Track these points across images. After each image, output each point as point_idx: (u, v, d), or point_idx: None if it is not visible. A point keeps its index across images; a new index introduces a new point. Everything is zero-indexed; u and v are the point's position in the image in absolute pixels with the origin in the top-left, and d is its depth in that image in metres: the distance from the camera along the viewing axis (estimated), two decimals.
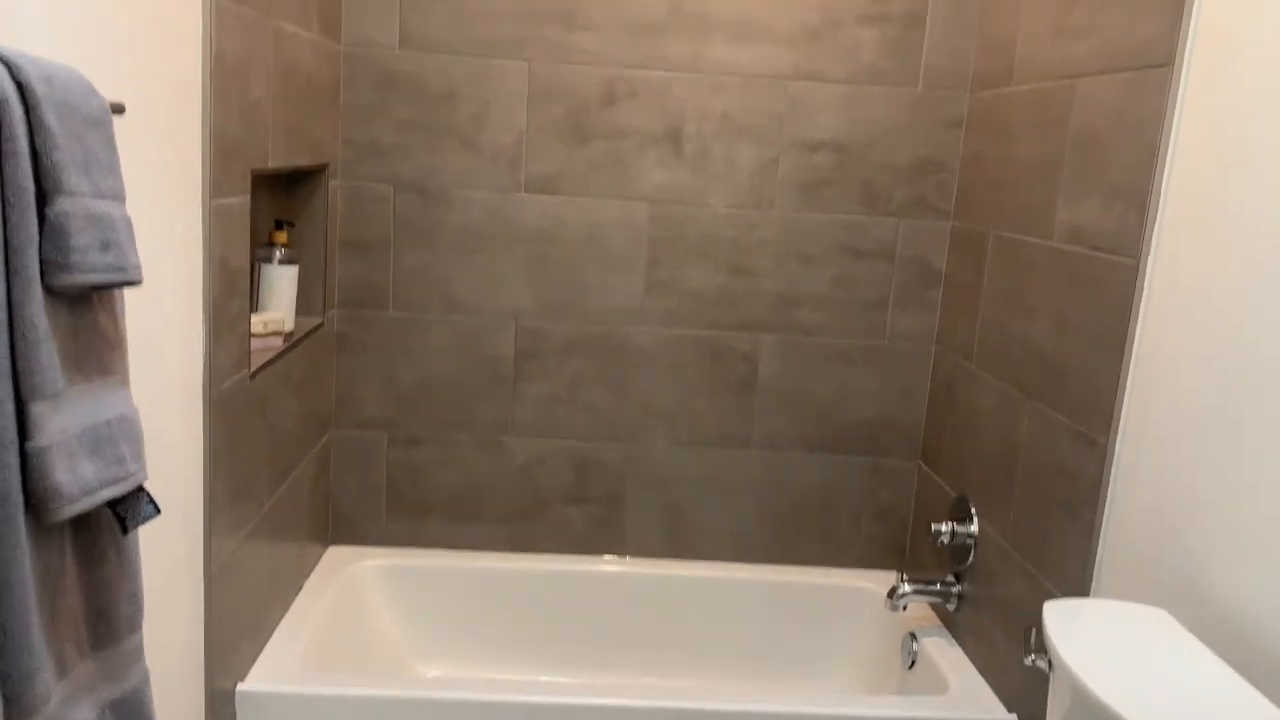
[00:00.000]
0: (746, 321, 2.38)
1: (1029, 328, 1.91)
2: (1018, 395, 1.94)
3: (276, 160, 1.79)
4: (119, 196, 0.92)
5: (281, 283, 1.95)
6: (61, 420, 0.85)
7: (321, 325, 2.19)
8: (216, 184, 1.51)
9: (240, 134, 1.60)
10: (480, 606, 2.41)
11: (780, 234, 2.34)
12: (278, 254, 1.95)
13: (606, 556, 2.47)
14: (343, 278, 2.32)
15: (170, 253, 1.38)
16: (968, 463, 2.17)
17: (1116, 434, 1.59)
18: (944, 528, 2.16)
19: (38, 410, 0.82)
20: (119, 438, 0.91)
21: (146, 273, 1.30)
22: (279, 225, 1.99)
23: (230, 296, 1.61)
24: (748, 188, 2.32)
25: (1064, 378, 1.76)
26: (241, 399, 1.68)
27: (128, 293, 1.23)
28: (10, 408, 0.81)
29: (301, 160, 1.95)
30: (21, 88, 0.81)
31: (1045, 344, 1.84)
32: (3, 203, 0.80)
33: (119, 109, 1.03)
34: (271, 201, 2.07)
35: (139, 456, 0.94)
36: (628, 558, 2.48)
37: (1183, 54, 1.48)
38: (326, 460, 2.35)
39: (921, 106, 2.30)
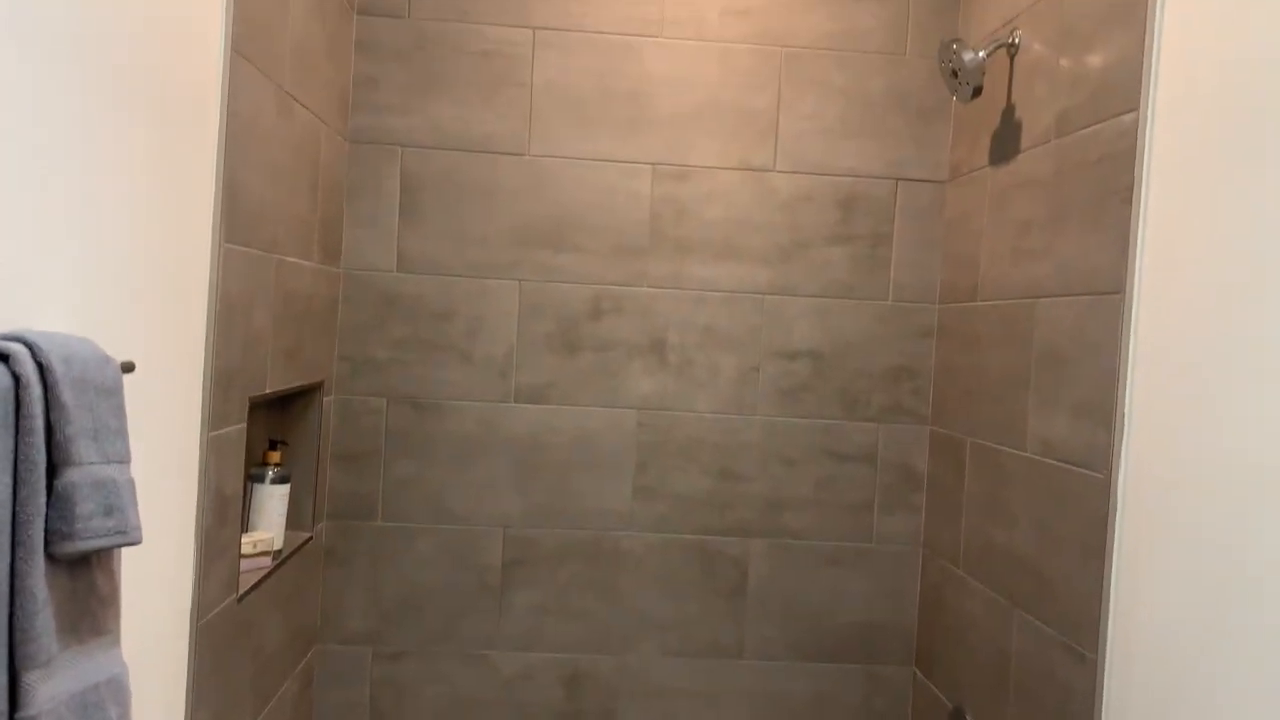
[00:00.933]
0: (735, 525, 2.40)
1: (1011, 536, 1.93)
2: (1005, 604, 1.94)
3: (274, 384, 1.86)
4: (125, 460, 0.96)
5: (272, 501, 1.98)
6: (52, 688, 0.85)
7: (310, 539, 2.20)
8: (216, 416, 1.56)
9: (240, 364, 1.67)
10: None
11: (763, 438, 2.40)
12: (270, 473, 1.99)
13: None
14: (333, 490, 2.35)
15: (166, 486, 1.42)
16: (962, 672, 2.14)
17: (1105, 648, 1.59)
18: None
19: (29, 680, 0.83)
20: (107, 700, 0.91)
21: (142, 506, 1.33)
22: (273, 445, 2.03)
23: (222, 524, 1.63)
24: (731, 394, 2.40)
25: (1049, 588, 1.78)
26: (228, 625, 1.68)
27: None
28: (3, 679, 0.82)
29: (298, 381, 2.02)
30: (42, 368, 0.87)
31: (1028, 553, 1.86)
32: (14, 478, 0.84)
33: (129, 368, 1.09)
34: (268, 420, 2.13)
35: (125, 718, 0.94)
36: None
37: (1132, 282, 1.58)
38: (310, 677, 2.30)
39: (892, 318, 2.41)
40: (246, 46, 1.58)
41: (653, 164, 2.36)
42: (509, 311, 2.36)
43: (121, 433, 0.96)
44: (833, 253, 2.40)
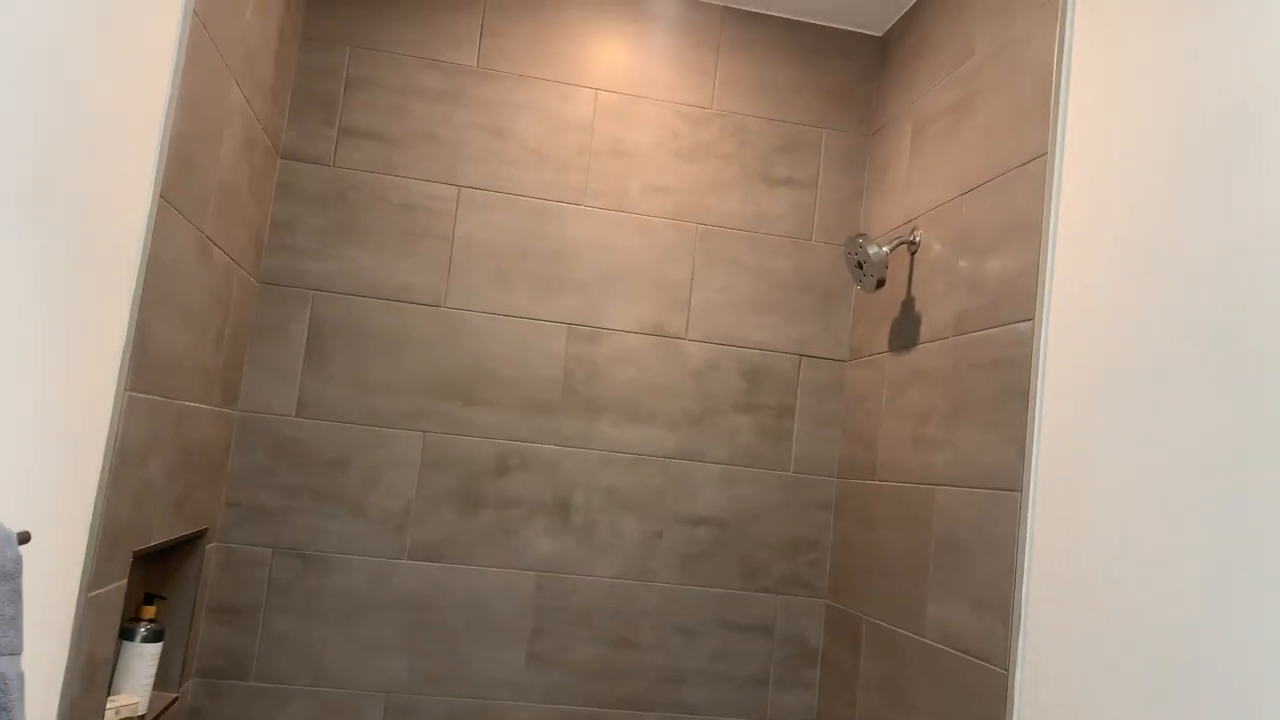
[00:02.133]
0: (629, 698, 2.34)
1: None
2: None
3: (161, 535, 1.75)
4: (16, 650, 0.88)
5: (141, 661, 1.83)
6: None
7: (176, 700, 2.03)
8: (97, 575, 1.45)
9: (130, 518, 1.56)
10: None
11: (662, 605, 2.37)
12: (142, 630, 1.84)
13: None
14: (205, 645, 2.19)
15: (33, 652, 1.30)
16: None
17: None
18: None
19: None
20: None
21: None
22: (149, 599, 1.90)
23: (89, 692, 1.49)
24: (632, 558, 2.37)
25: None
26: None
27: None
28: None
29: (183, 530, 1.90)
30: None
31: None
32: None
33: (25, 539, 1.01)
34: (146, 571, 1.99)
35: None
36: None
37: (1029, 481, 1.66)
38: None
39: (794, 489, 2.46)
40: (174, 191, 1.56)
41: (569, 323, 2.39)
42: (410, 463, 2.30)
43: (15, 621, 0.88)
44: (739, 421, 2.45)
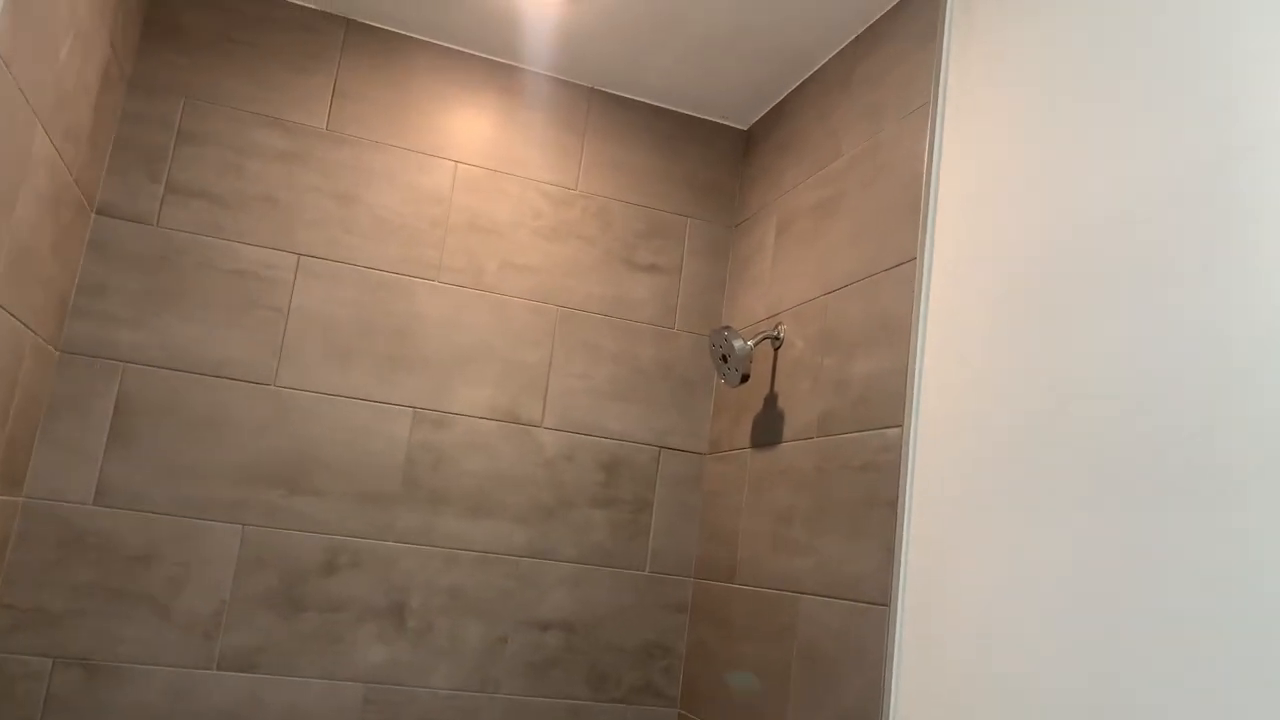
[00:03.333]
0: None
1: None
2: None
3: None
4: None
5: None
6: None
7: None
8: None
9: None
10: None
11: (506, 719, 2.18)
12: None
13: None
14: None
15: None
16: None
17: None
18: None
19: None
20: None
21: None
22: None
23: None
24: (473, 666, 2.18)
25: None
26: None
27: None
28: None
29: None
30: None
31: None
32: None
33: None
34: None
35: None
36: None
37: (897, 594, 1.60)
38: None
39: (648, 589, 2.33)
40: None
41: (414, 407, 2.22)
42: (225, 559, 2.05)
43: None
44: (595, 515, 2.32)
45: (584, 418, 2.34)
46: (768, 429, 2.13)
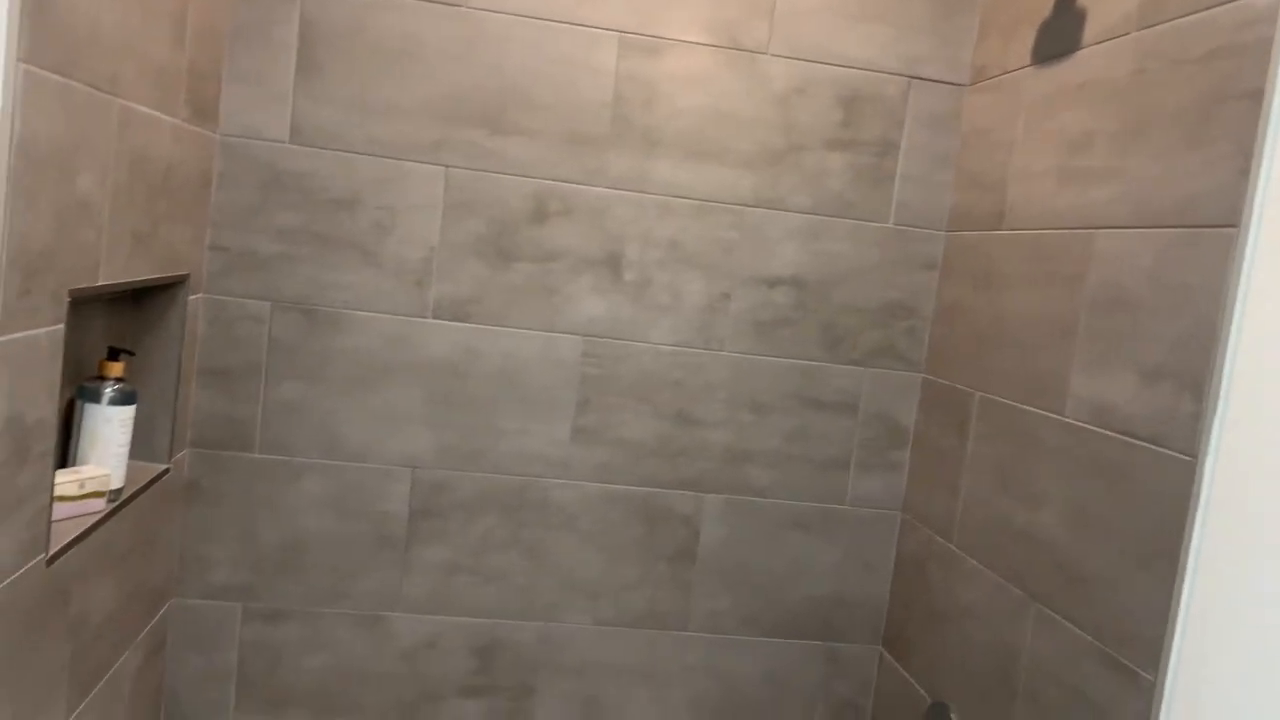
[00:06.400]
0: (689, 479, 2.03)
1: (1035, 516, 1.61)
2: (1019, 594, 1.63)
3: (112, 274, 1.38)
4: None
5: (110, 428, 1.52)
6: None
7: (167, 472, 1.75)
8: (9, 312, 1.10)
9: (54, 243, 1.19)
10: None
11: (730, 378, 2.02)
12: (108, 391, 1.52)
13: None
14: (199, 413, 1.88)
15: None
16: (947, 662, 1.84)
17: (1169, 672, 1.28)
18: None
19: None
20: None
21: None
22: (113, 354, 1.56)
23: (20, 464, 1.17)
24: (695, 324, 2.00)
25: (1086, 587, 1.46)
26: (28, 599, 1.23)
27: None
28: None
29: (150, 273, 1.54)
30: None
31: (1056, 539, 1.54)
32: None
33: None
34: (109, 322, 1.65)
35: None
36: None
37: (1251, 213, 1.23)
38: (162, 639, 1.87)
39: (892, 244, 2.03)
40: None
41: (619, 31, 1.91)
42: (430, 205, 1.90)
43: None
44: (831, 160, 2.00)
45: (819, 42, 1.97)
46: (1058, 36, 1.69)
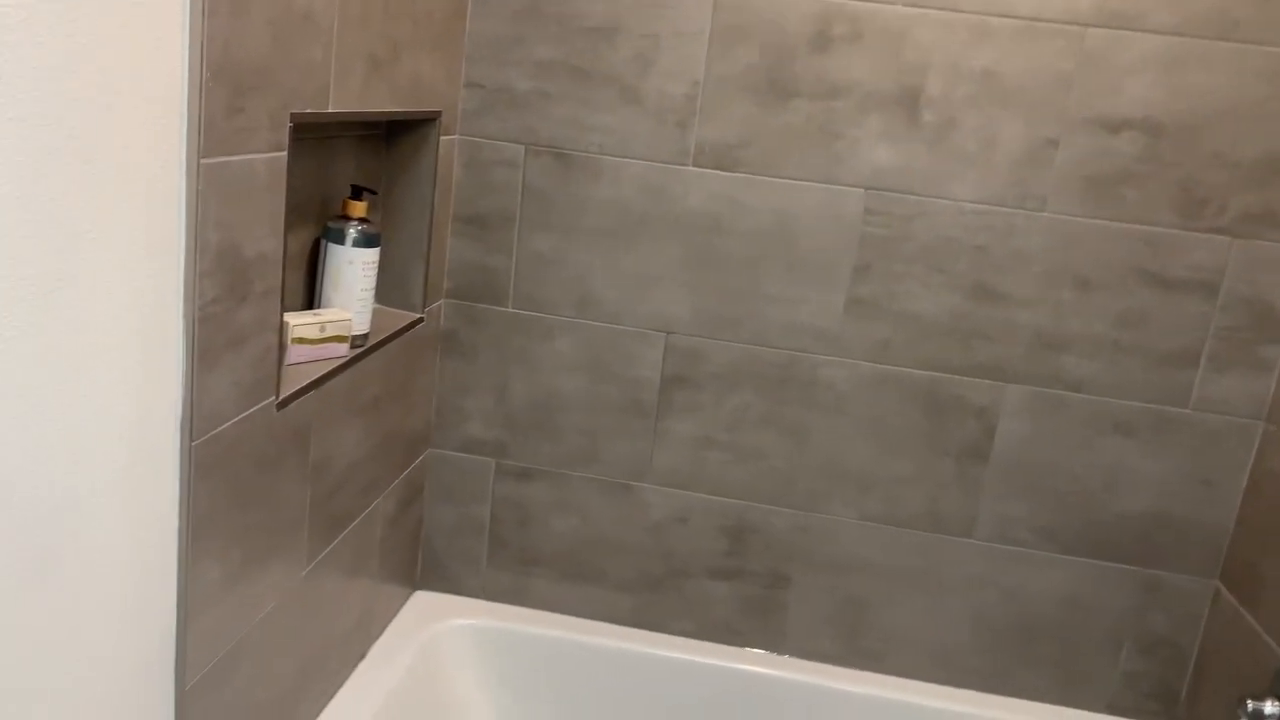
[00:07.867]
0: (987, 364, 1.71)
1: None
2: None
3: (345, 102, 1.28)
4: None
5: (353, 270, 1.45)
6: None
7: (420, 321, 1.69)
8: (214, 132, 1.00)
9: (271, 58, 1.08)
10: (589, 690, 1.88)
11: (1051, 246, 1.65)
12: (352, 232, 1.45)
13: (757, 651, 1.88)
14: (453, 263, 1.81)
15: (120, 241, 0.88)
16: None
17: None
18: (1269, 709, 1.45)
19: None
20: None
21: (64, 268, 0.80)
22: (356, 193, 1.48)
23: (239, 302, 1.10)
24: (1009, 177, 1.64)
25: None
26: (256, 442, 1.19)
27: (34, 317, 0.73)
28: None
29: (393, 105, 1.43)
30: None
31: None
32: None
33: None
34: (357, 159, 1.57)
35: None
36: (786, 656, 1.88)
37: None
38: (419, 487, 1.86)
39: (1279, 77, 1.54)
40: None
41: None
42: (697, 29, 1.66)
43: None
44: None
45: None
46: None
